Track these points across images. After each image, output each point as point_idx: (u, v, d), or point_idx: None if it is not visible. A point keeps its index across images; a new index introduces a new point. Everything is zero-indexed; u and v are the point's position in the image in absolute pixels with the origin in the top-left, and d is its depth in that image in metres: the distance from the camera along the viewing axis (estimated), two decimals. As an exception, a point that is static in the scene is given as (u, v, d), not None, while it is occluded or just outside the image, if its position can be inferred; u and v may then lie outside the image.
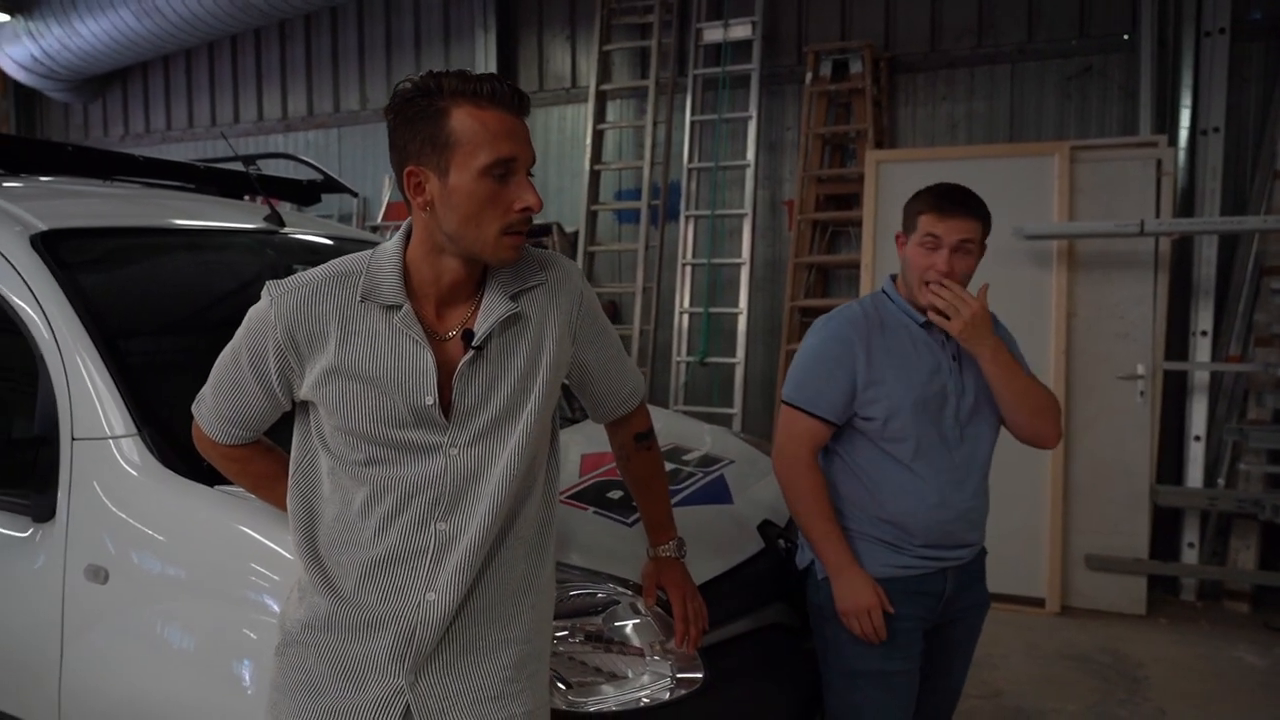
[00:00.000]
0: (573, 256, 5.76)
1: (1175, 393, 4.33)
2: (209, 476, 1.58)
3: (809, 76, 5.20)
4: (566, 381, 1.47)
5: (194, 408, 1.42)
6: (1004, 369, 1.80)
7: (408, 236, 1.30)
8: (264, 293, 1.30)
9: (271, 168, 3.13)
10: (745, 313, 5.33)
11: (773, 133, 5.57)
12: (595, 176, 5.81)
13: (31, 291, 1.77)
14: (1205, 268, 4.31)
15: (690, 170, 5.53)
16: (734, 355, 5.33)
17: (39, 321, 1.75)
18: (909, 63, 5.22)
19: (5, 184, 2.21)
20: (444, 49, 6.40)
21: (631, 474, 1.64)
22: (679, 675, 1.60)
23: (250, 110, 7.14)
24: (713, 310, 5.44)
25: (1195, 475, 4.24)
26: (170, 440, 1.66)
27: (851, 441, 1.88)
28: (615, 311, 5.89)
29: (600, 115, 5.80)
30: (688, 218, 5.53)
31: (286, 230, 2.36)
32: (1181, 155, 4.40)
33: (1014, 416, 1.87)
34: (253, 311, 1.32)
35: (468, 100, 1.20)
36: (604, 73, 5.81)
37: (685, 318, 5.51)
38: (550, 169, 6.12)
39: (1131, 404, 4.05)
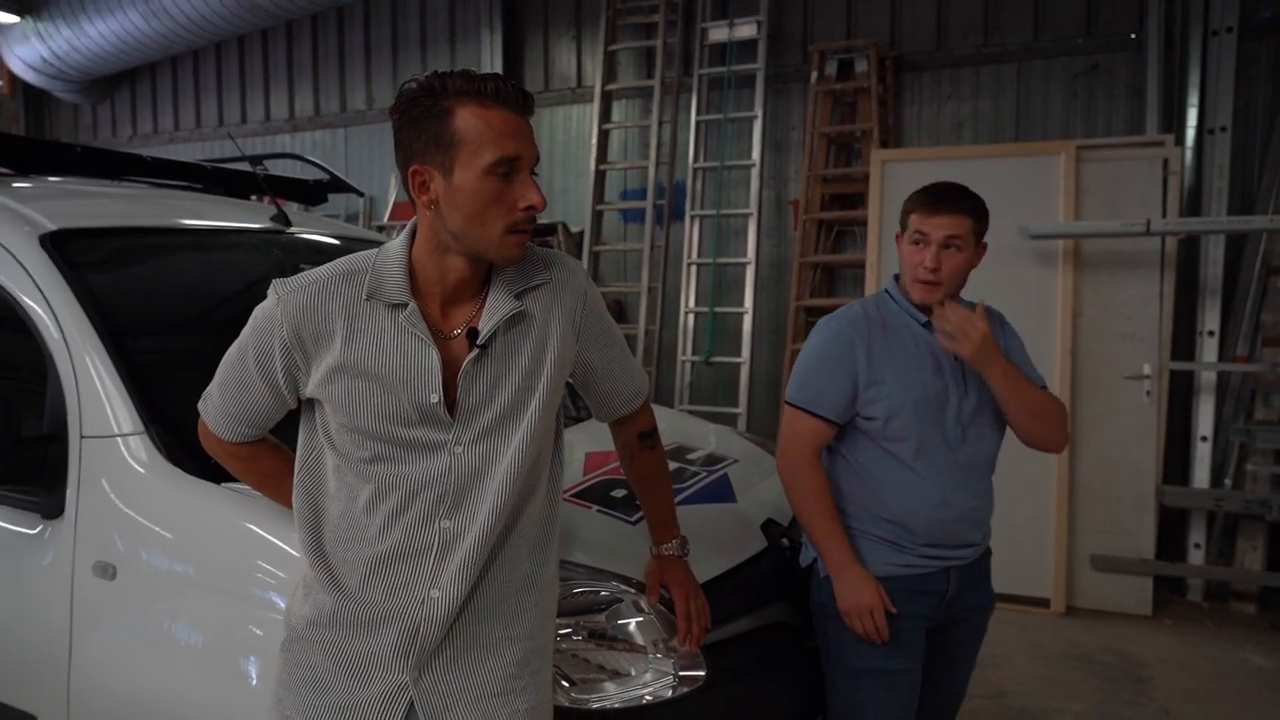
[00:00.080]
0: (578, 256, 5.77)
1: (1182, 393, 4.32)
2: (216, 474, 1.59)
3: (814, 76, 5.20)
4: (571, 380, 1.47)
5: (200, 405, 1.43)
6: (1014, 386, 1.82)
7: (413, 235, 1.31)
8: (270, 291, 1.31)
9: (278, 168, 3.14)
10: (750, 312, 5.33)
11: (778, 132, 5.57)
12: (600, 176, 5.82)
13: (40, 291, 1.79)
14: (1212, 267, 4.29)
15: (695, 170, 5.53)
16: (739, 355, 5.33)
17: (48, 321, 1.76)
18: (914, 62, 5.22)
19: (15, 184, 2.23)
20: (450, 49, 6.42)
21: (635, 472, 1.64)
22: (681, 673, 1.61)
23: (257, 110, 7.17)
24: (718, 310, 5.44)
25: (1202, 476, 4.22)
26: (178, 438, 1.67)
27: (854, 441, 1.88)
28: (620, 311, 5.90)
29: (605, 115, 5.81)
30: (693, 217, 5.53)
31: (293, 230, 2.38)
32: (1188, 154, 4.39)
33: (1021, 425, 1.88)
34: (259, 310, 1.33)
35: (472, 100, 1.21)
36: (609, 72, 5.82)
37: (690, 317, 5.51)
38: (556, 169, 6.13)
39: (1138, 404, 4.04)
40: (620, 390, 1.54)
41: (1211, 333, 4.27)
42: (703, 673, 1.63)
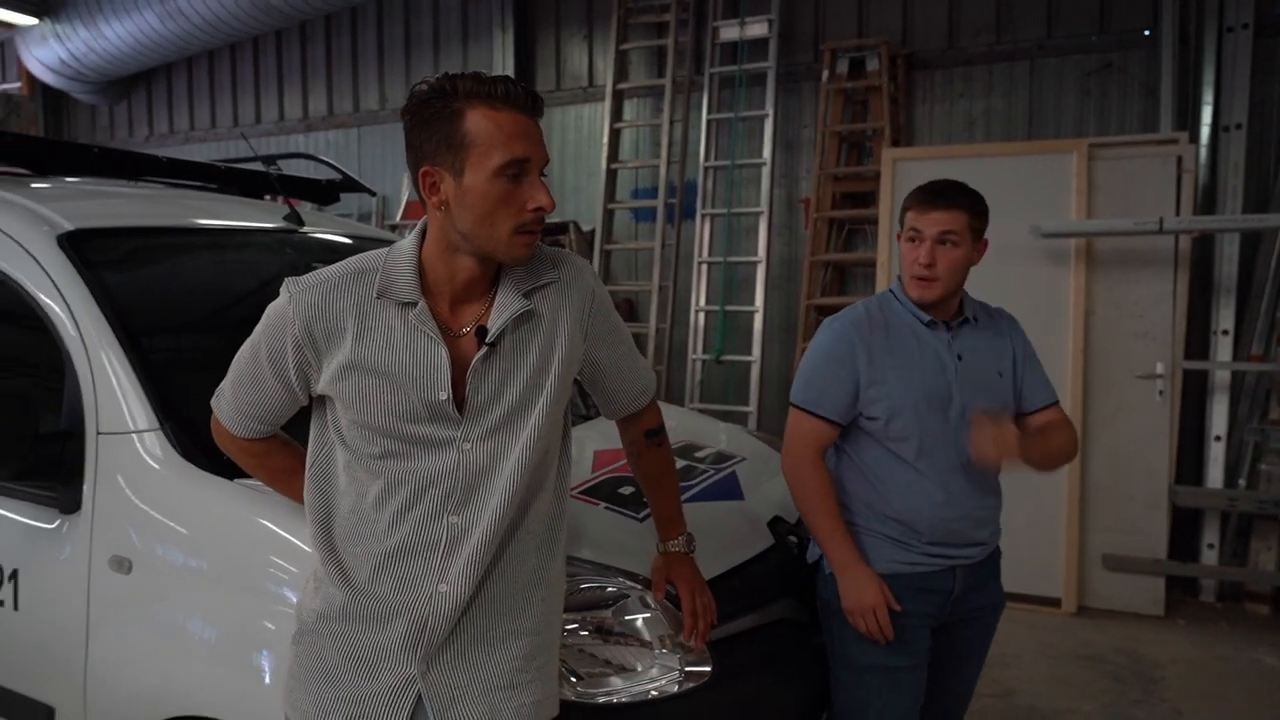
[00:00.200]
0: (589, 255, 5.78)
1: (1196, 392, 4.29)
2: (229, 470, 1.61)
3: (825, 74, 5.19)
4: (578, 378, 1.49)
5: (213, 402, 1.45)
6: (1043, 461, 1.83)
7: (423, 235, 1.33)
8: (283, 289, 1.33)
9: (291, 168, 3.17)
10: (761, 311, 5.33)
11: (789, 131, 5.57)
12: (612, 175, 5.83)
13: (58, 290, 1.82)
14: (1227, 265, 4.25)
15: (706, 168, 5.54)
16: (750, 353, 5.33)
17: (65, 319, 1.79)
18: (926, 60, 5.20)
19: (33, 185, 2.26)
20: (462, 49, 6.44)
21: (642, 470, 1.66)
22: (687, 669, 1.62)
23: (271, 110, 7.22)
24: (728, 308, 5.44)
25: (1215, 475, 4.19)
26: (192, 435, 1.70)
27: (858, 440, 1.89)
28: (631, 310, 5.91)
29: (617, 114, 5.82)
30: (704, 216, 5.54)
31: (306, 229, 2.40)
32: (1203, 152, 4.35)
33: (1044, 471, 1.89)
34: (272, 308, 1.35)
35: (482, 102, 1.22)
36: (621, 72, 5.82)
37: (701, 316, 5.52)
38: (567, 168, 6.15)
39: (1150, 403, 4.02)
40: (627, 388, 1.55)
41: (1226, 332, 4.23)
42: (709, 668, 1.64)
